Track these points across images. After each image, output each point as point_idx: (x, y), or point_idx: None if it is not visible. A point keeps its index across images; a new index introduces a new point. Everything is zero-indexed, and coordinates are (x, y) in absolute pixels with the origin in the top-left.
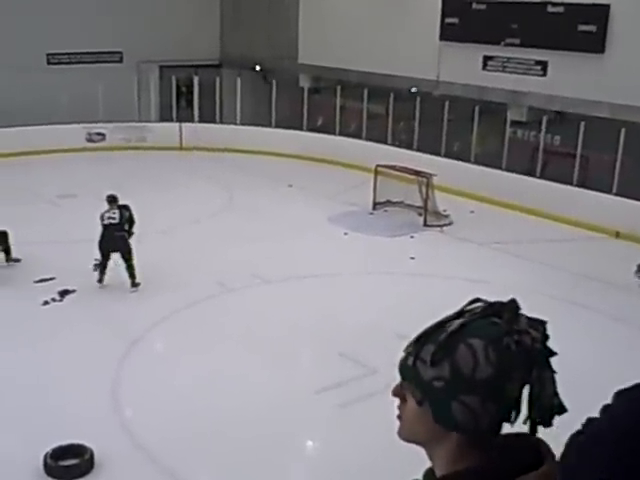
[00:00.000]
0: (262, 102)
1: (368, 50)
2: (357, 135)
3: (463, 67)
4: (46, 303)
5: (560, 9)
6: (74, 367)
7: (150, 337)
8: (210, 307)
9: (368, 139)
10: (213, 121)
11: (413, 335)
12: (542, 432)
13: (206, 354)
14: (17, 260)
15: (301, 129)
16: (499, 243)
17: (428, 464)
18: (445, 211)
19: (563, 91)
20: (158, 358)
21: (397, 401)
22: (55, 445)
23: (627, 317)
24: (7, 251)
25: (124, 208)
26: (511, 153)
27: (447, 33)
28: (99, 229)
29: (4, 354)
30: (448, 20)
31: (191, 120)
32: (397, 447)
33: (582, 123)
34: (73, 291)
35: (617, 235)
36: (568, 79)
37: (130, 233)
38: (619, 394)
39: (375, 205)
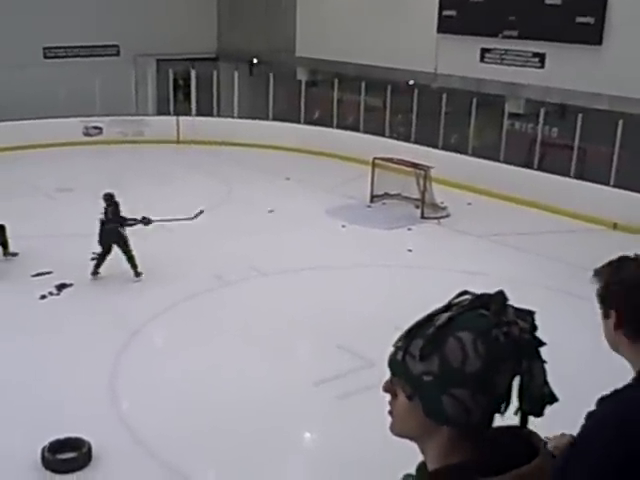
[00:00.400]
0: (259, 95)
1: (365, 43)
2: (355, 128)
3: (461, 59)
4: (43, 297)
5: (558, 1)
6: (72, 361)
7: (148, 330)
8: (208, 300)
9: (366, 132)
10: (210, 114)
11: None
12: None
13: (204, 347)
14: (14, 254)
15: (299, 122)
16: (497, 235)
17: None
18: (442, 203)
19: (561, 83)
20: (156, 351)
21: (388, 397)
22: (53, 438)
23: None
24: (4, 245)
25: (110, 206)
26: (509, 145)
27: (445, 25)
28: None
29: (1, 348)
30: (446, 12)
31: (188, 114)
32: (395, 439)
33: (580, 115)
34: (70, 285)
35: (615, 227)
36: (566, 71)
37: (124, 222)
38: (602, 400)
39: (373, 198)
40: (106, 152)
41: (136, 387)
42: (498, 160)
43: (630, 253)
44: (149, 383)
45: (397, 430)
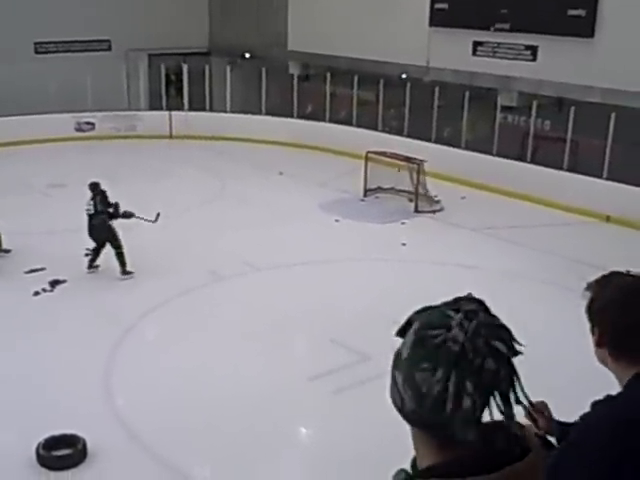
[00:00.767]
0: (252, 90)
1: (358, 37)
2: (347, 122)
3: (453, 53)
4: (37, 293)
5: None
6: (66, 357)
7: (142, 326)
8: (202, 296)
9: (358, 126)
10: (203, 109)
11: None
12: None
13: (198, 343)
14: (7, 251)
15: (291, 116)
16: (490, 228)
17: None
18: (436, 197)
19: (553, 76)
20: (150, 347)
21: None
22: (48, 435)
23: None
24: None
25: (96, 195)
26: (502, 138)
27: (437, 19)
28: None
29: None
30: (438, 6)
31: (181, 109)
32: (390, 433)
33: (572, 108)
34: (64, 281)
35: (607, 219)
36: (558, 64)
37: (116, 212)
38: (596, 404)
39: (366, 192)
40: (98, 147)
41: (131, 383)
42: (491, 153)
43: (622, 248)
44: (144, 379)
45: None
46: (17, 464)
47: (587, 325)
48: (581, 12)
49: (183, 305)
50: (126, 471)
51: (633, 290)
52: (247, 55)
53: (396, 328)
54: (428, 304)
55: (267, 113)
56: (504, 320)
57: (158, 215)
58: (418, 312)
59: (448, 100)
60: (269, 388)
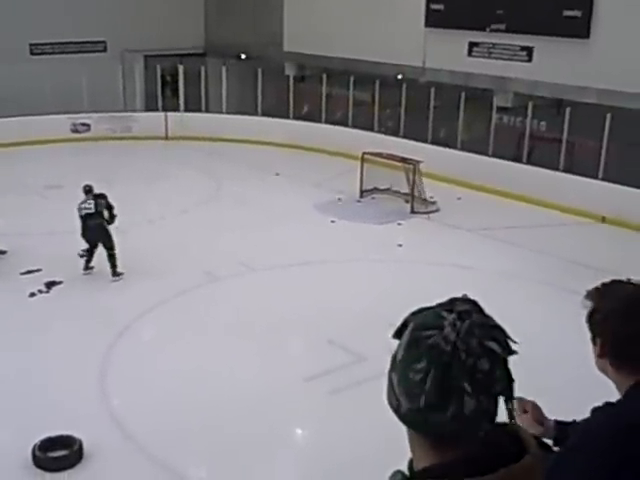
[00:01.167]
0: (248, 90)
1: (353, 37)
2: (343, 123)
3: (449, 53)
4: (33, 295)
5: None
6: (62, 358)
7: (138, 327)
8: (198, 296)
9: (354, 126)
10: (199, 110)
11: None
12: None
13: (194, 344)
14: (3, 252)
15: (287, 117)
16: (486, 229)
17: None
18: (432, 198)
19: (549, 77)
20: (146, 348)
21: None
22: (44, 436)
23: None
24: None
25: (99, 197)
26: (497, 139)
27: (432, 19)
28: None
29: None
30: (433, 6)
31: (177, 109)
32: (387, 434)
33: (568, 109)
34: (60, 282)
35: (603, 220)
36: (554, 65)
37: (112, 218)
38: (595, 410)
39: (362, 193)
40: (94, 149)
41: (126, 384)
42: (487, 154)
43: (617, 249)
44: (140, 380)
45: None
46: (13, 465)
47: (583, 326)
48: (577, 13)
49: (179, 306)
50: (122, 472)
51: (634, 300)
52: (243, 56)
53: (392, 329)
54: (424, 305)
55: (263, 114)
56: (500, 321)
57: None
58: (414, 313)
59: (444, 101)
60: (265, 389)
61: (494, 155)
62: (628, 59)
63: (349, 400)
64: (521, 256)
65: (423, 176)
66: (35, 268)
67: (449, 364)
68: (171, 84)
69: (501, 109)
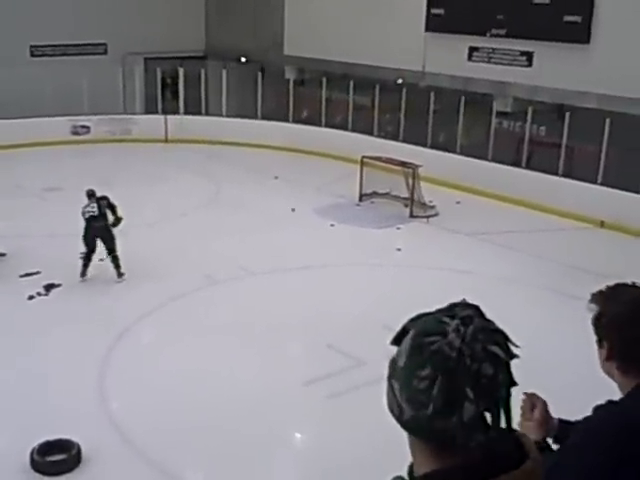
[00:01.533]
0: (248, 94)
1: (354, 41)
2: (343, 127)
3: (449, 58)
4: (32, 297)
5: (545, 0)
6: (61, 361)
7: (137, 330)
8: (197, 300)
9: (354, 131)
10: (199, 113)
11: (400, 326)
12: None
13: (193, 347)
14: (2, 254)
15: (287, 121)
16: (485, 234)
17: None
18: (431, 202)
19: (549, 82)
20: (145, 351)
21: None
22: (42, 440)
23: None
24: None
25: (102, 200)
26: (497, 144)
27: (433, 24)
28: (83, 224)
29: None
30: (434, 11)
31: (177, 112)
32: (386, 439)
33: (567, 114)
34: (59, 285)
35: (602, 225)
36: (554, 70)
37: (117, 220)
38: (598, 408)
39: (361, 196)
40: (94, 151)
41: (125, 388)
42: (486, 159)
43: (616, 254)
44: (138, 384)
45: None
46: (11, 469)
47: (582, 329)
48: (577, 18)
49: (178, 309)
50: (120, 476)
51: None
52: (243, 59)
53: (391, 334)
54: (423, 310)
55: (263, 117)
56: (499, 325)
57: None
58: (413, 320)
59: (444, 105)
60: (264, 392)
61: (493, 160)
62: (628, 64)
63: (348, 404)
64: (520, 261)
65: (422, 180)
66: (34, 271)
67: (454, 370)
68: (171, 87)
69: (501, 114)
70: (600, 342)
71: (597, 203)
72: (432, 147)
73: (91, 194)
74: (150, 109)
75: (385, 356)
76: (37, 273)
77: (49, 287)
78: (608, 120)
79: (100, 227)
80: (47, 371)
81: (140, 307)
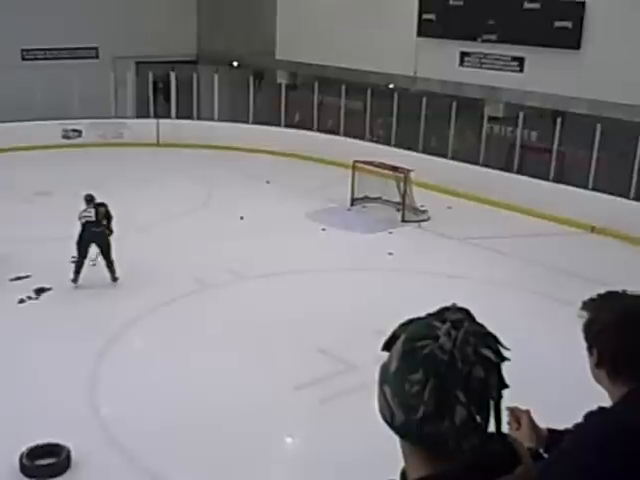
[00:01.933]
0: (240, 98)
1: (345, 46)
2: (335, 131)
3: (440, 63)
4: (22, 301)
5: (536, 5)
6: (51, 365)
7: (127, 335)
8: (188, 304)
9: (346, 135)
10: (191, 117)
11: (390, 332)
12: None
13: (184, 352)
14: None
15: (279, 125)
16: (477, 238)
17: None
18: (423, 207)
19: (540, 87)
20: (136, 356)
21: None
22: (31, 444)
23: None
24: None
25: (100, 206)
26: (488, 149)
27: (424, 29)
28: (78, 228)
29: None
30: (425, 16)
31: (168, 116)
32: (377, 443)
33: (559, 119)
34: (49, 289)
35: (592, 230)
36: (544, 75)
37: (109, 230)
38: (590, 415)
39: (353, 201)
40: (85, 155)
41: (116, 392)
42: (478, 163)
43: (606, 259)
44: (129, 388)
45: None
46: (0, 473)
47: (573, 334)
48: (567, 24)
49: (169, 314)
50: None
51: (631, 313)
52: (235, 64)
53: (382, 338)
54: (414, 314)
55: (255, 122)
56: (490, 329)
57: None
58: (403, 325)
59: (435, 110)
60: (255, 397)
61: (485, 164)
62: (618, 70)
63: (339, 409)
64: (511, 265)
65: (414, 185)
66: (24, 274)
67: (446, 373)
68: (163, 91)
69: (492, 119)
70: (590, 349)
71: (588, 208)
72: (424, 152)
73: (89, 199)
74: (141, 113)
75: (376, 360)
76: (27, 277)
77: (39, 291)
78: (599, 125)
79: (97, 232)
80: (37, 375)
81: (130, 311)
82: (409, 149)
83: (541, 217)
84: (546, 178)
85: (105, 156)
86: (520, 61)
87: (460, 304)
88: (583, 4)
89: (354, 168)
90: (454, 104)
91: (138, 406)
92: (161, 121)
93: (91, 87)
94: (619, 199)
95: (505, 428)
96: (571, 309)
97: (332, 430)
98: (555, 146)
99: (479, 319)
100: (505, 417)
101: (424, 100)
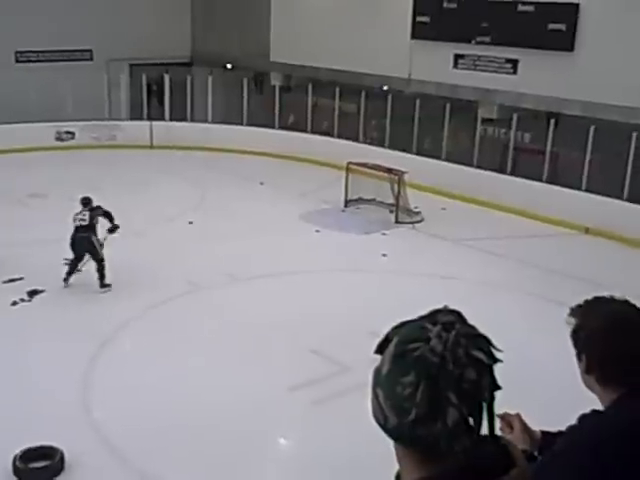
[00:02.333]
0: (234, 100)
1: (340, 48)
2: (329, 133)
3: (434, 65)
4: (15, 303)
5: (530, 8)
6: (44, 368)
7: (121, 337)
8: (182, 306)
9: (340, 137)
10: (185, 119)
11: (384, 333)
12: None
13: (177, 354)
14: None
15: (273, 127)
16: (471, 240)
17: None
18: (416, 208)
19: (533, 89)
20: (129, 358)
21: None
22: (24, 447)
23: None
24: None
25: (96, 210)
26: (482, 150)
27: (418, 31)
28: (72, 231)
29: None
30: (419, 19)
31: (162, 118)
32: (372, 445)
33: (552, 121)
34: (42, 291)
35: (587, 231)
36: (538, 77)
37: (114, 227)
38: (583, 417)
39: (347, 202)
40: (79, 157)
41: (109, 395)
42: (472, 165)
43: (601, 260)
44: (122, 391)
45: None
46: None
47: (567, 337)
48: (561, 26)
49: (162, 316)
50: None
51: (619, 318)
52: (229, 66)
53: (376, 340)
54: (409, 315)
55: (249, 124)
56: (484, 331)
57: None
58: (396, 327)
59: (429, 112)
60: (249, 398)
61: (479, 166)
62: (612, 72)
63: (333, 410)
64: (505, 267)
65: (408, 186)
66: (17, 277)
67: (437, 376)
68: (157, 93)
69: (486, 120)
70: (579, 355)
71: (582, 209)
72: (418, 153)
73: (85, 202)
74: (135, 115)
75: (370, 362)
76: (20, 279)
77: (32, 293)
78: (592, 127)
79: (83, 237)
80: (30, 377)
81: (124, 314)
82: (403, 151)
83: (535, 218)
84: (540, 179)
85: (99, 158)
86: (514, 63)
87: (455, 305)
88: (577, 6)
89: (348, 170)
90: (448, 106)
91: (132, 407)
92: (155, 123)
93: (85, 89)
94: (613, 200)
95: (498, 432)
96: (566, 310)
97: (327, 431)
98: (548, 148)
99: (474, 320)
100: (497, 423)
101: (418, 102)
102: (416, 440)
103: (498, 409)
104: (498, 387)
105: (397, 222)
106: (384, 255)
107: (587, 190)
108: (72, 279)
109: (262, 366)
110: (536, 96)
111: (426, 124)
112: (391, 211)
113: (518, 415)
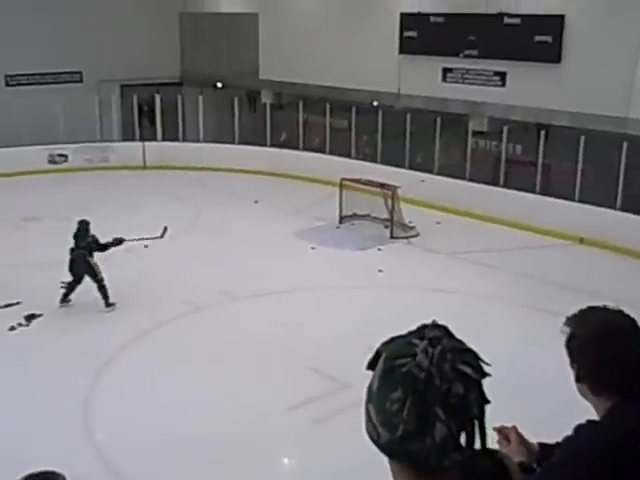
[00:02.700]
0: (225, 119)
1: (329, 65)
2: (321, 149)
3: (423, 79)
4: (12, 328)
5: (516, 20)
6: (44, 392)
7: (119, 359)
8: (179, 326)
9: (332, 153)
10: (176, 139)
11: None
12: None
13: (177, 374)
14: None
15: (265, 145)
16: (466, 253)
17: None
18: (411, 223)
19: (522, 101)
20: (128, 380)
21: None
22: (26, 473)
23: None
24: None
25: (81, 231)
26: (474, 163)
27: (406, 46)
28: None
29: None
30: (407, 33)
31: (154, 139)
32: (371, 462)
33: (542, 132)
34: (40, 315)
35: (581, 241)
36: (527, 89)
37: (98, 247)
38: (579, 428)
39: (341, 219)
40: (72, 179)
41: (110, 417)
42: (464, 178)
43: (596, 270)
44: (123, 413)
45: None
46: None
47: (563, 348)
48: (547, 38)
49: (160, 337)
50: None
51: (610, 327)
52: (219, 85)
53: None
54: (406, 330)
55: (240, 142)
56: (480, 343)
57: (165, 230)
58: (385, 343)
59: (420, 126)
60: (248, 418)
61: (471, 179)
62: (599, 82)
63: (333, 428)
64: (500, 279)
65: (401, 201)
66: (14, 301)
67: (424, 391)
68: (148, 113)
69: (477, 133)
70: (572, 364)
71: (575, 220)
72: (410, 168)
73: (82, 226)
74: (127, 136)
75: (369, 378)
76: (17, 303)
77: (30, 317)
78: (582, 137)
79: (74, 258)
80: (30, 402)
81: (122, 336)
82: (395, 166)
83: (529, 230)
84: (532, 191)
85: (92, 180)
86: (502, 76)
87: (451, 318)
88: (562, 18)
89: (341, 186)
90: (438, 120)
91: (133, 431)
92: (147, 144)
93: (76, 111)
94: (606, 210)
95: (494, 447)
96: (561, 321)
97: (327, 449)
98: (540, 159)
99: (470, 332)
100: (491, 435)
101: (408, 116)
102: (407, 456)
103: (494, 422)
104: (487, 401)
105: (392, 237)
106: (380, 271)
107: (580, 200)
108: (71, 300)
109: (261, 385)
110: (525, 108)
111: (418, 138)
112: (386, 226)
113: (514, 428)
